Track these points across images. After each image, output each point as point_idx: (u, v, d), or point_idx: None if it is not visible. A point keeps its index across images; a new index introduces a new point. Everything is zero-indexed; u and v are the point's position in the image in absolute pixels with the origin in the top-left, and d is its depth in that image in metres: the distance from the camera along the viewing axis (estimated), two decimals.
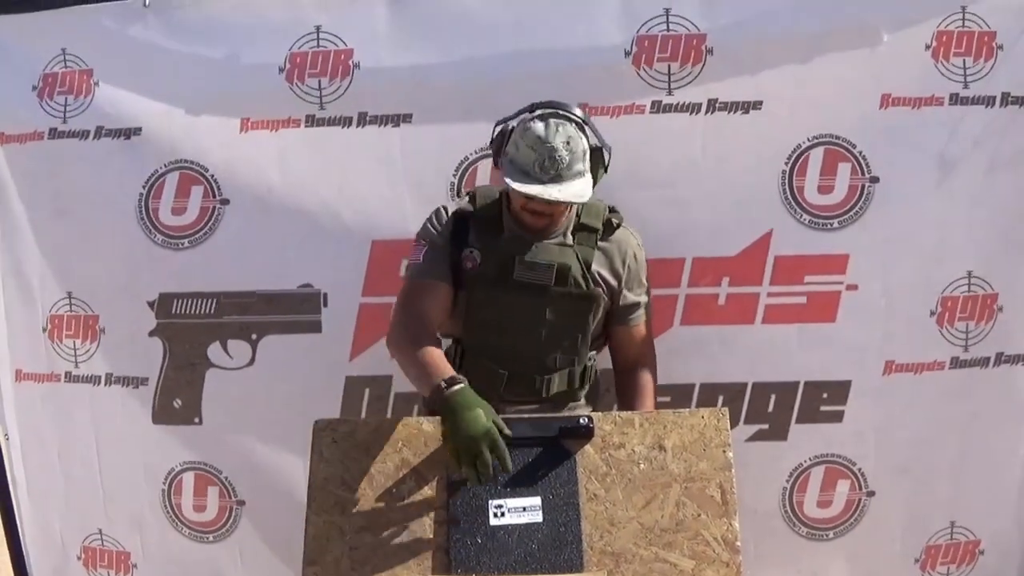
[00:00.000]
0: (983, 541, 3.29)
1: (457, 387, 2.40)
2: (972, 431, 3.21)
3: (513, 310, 2.67)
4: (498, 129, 2.66)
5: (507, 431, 2.36)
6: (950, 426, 3.20)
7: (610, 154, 2.63)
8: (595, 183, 2.61)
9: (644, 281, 2.82)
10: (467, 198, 2.78)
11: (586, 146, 2.56)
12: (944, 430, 3.20)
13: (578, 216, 2.71)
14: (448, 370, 2.47)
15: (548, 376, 2.71)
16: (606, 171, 2.64)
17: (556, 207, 2.59)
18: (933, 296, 3.14)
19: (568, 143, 2.52)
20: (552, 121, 2.53)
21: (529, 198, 2.55)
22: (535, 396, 2.72)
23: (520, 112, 2.61)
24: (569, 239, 2.70)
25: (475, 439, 2.33)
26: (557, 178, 2.51)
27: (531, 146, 2.52)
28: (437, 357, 2.53)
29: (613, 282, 2.73)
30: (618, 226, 2.75)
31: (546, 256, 2.66)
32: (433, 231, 2.73)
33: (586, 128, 2.58)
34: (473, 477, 2.33)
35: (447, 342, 2.82)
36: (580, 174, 2.55)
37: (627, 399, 2.82)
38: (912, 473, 3.22)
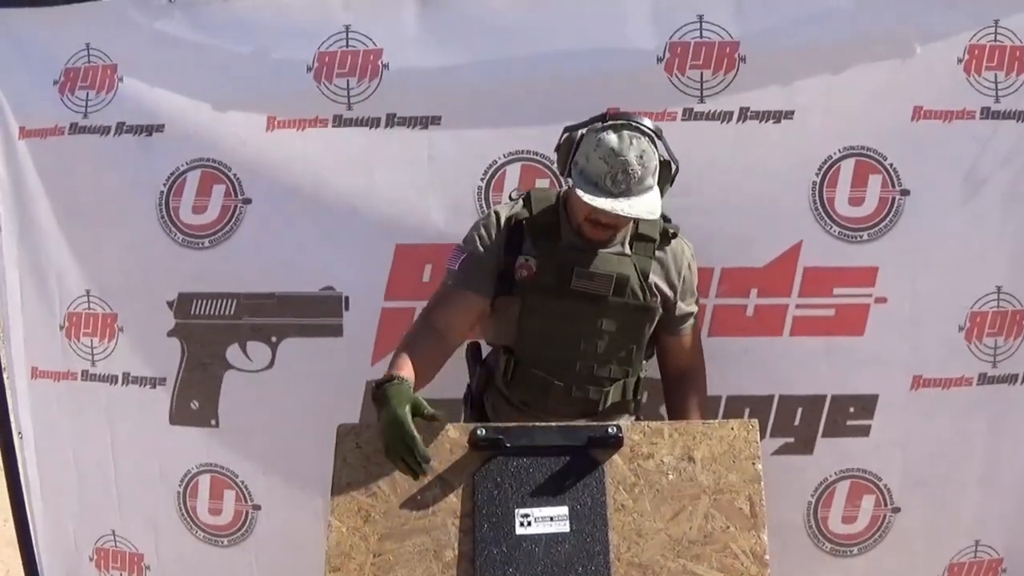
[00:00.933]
0: (1006, 559, 3.25)
1: (386, 384, 2.39)
2: (999, 449, 3.17)
3: (569, 320, 2.62)
4: (565, 136, 2.60)
5: (429, 411, 2.35)
6: (977, 443, 3.17)
7: (678, 169, 2.61)
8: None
9: (695, 291, 2.80)
10: (521, 202, 2.71)
11: (658, 161, 2.53)
12: (971, 447, 3.17)
13: (635, 225, 2.66)
14: (394, 371, 2.44)
15: (605, 389, 2.68)
16: (671, 185, 2.62)
17: (620, 221, 2.55)
18: (962, 311, 3.11)
19: (641, 157, 2.47)
20: (626, 133, 2.48)
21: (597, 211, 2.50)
22: (591, 408, 2.68)
23: (590, 120, 2.56)
24: (627, 249, 2.66)
25: (387, 429, 2.33)
26: (627, 192, 2.47)
27: (603, 158, 2.47)
28: (401, 361, 2.49)
29: (669, 293, 2.71)
30: (674, 236, 2.72)
31: (605, 266, 2.61)
32: (478, 238, 2.66)
33: (657, 143, 2.54)
34: (404, 470, 2.34)
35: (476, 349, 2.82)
36: (649, 188, 2.51)
37: (676, 407, 2.80)
38: (938, 490, 3.19)
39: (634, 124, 2.50)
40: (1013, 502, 3.22)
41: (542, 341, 2.64)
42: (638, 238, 2.68)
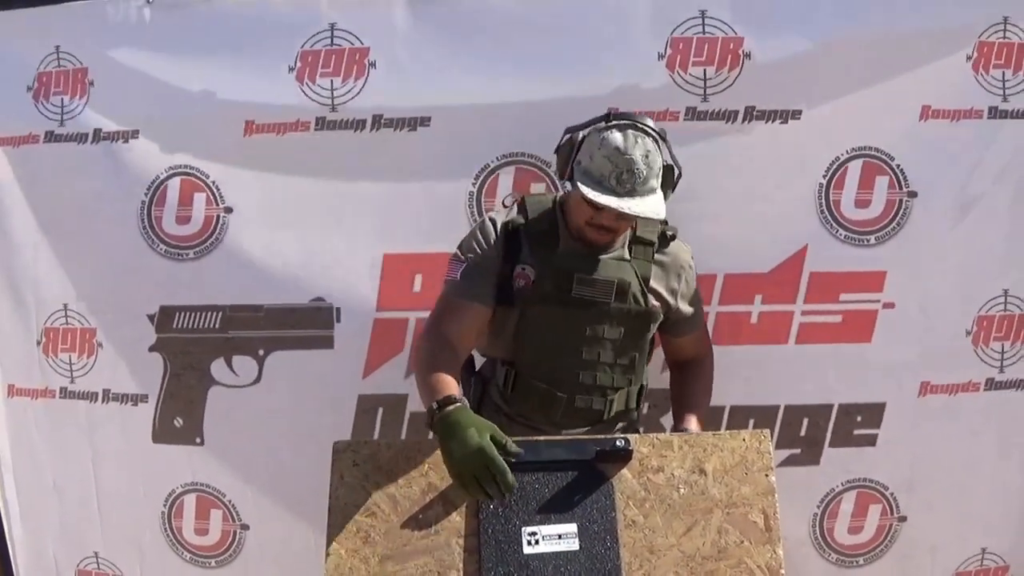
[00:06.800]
0: (1012, 567, 3.22)
1: (451, 407, 2.25)
2: (1006, 456, 3.14)
3: (570, 329, 2.55)
4: (567, 137, 2.52)
5: (514, 448, 2.23)
6: (983, 450, 3.14)
7: (680, 174, 2.53)
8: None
9: (697, 294, 2.74)
10: (515, 208, 2.63)
11: (662, 163, 2.46)
12: (977, 454, 3.14)
13: (633, 229, 2.60)
14: (446, 391, 2.31)
15: (610, 398, 2.61)
16: (673, 191, 2.53)
17: (622, 224, 2.50)
18: (969, 315, 3.08)
19: (647, 156, 2.41)
20: (631, 132, 2.41)
21: (599, 208, 2.42)
22: (596, 418, 2.61)
23: (592, 121, 2.48)
24: (626, 254, 2.60)
25: (467, 459, 2.19)
26: (632, 192, 2.40)
27: (608, 157, 2.40)
28: (444, 380, 2.35)
29: (669, 298, 2.64)
30: (672, 238, 2.65)
31: (605, 272, 2.55)
32: (476, 247, 2.57)
33: (661, 145, 2.47)
34: (479, 496, 2.22)
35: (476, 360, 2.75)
36: (653, 190, 2.44)
37: (679, 393, 2.78)
38: (944, 497, 3.16)
39: (639, 124, 2.44)
40: (1019, 509, 3.19)
41: (543, 352, 2.57)
42: (636, 241, 2.62)
